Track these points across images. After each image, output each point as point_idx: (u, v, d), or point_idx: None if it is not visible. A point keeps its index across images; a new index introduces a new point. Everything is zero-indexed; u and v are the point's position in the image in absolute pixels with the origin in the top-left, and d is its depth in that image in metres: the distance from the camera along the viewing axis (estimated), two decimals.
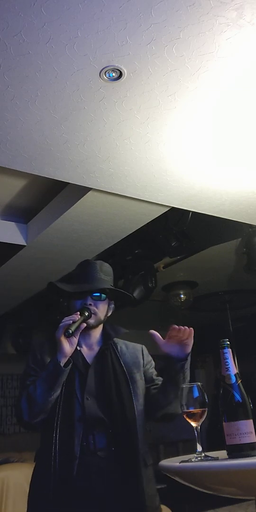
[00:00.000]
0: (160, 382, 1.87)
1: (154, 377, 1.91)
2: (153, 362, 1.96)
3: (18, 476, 3.52)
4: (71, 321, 1.70)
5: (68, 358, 1.70)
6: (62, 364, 1.68)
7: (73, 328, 1.68)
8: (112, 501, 1.66)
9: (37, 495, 1.72)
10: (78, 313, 1.75)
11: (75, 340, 1.71)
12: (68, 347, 1.69)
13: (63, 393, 1.72)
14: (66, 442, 1.67)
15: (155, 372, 1.94)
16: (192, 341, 1.74)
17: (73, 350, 1.71)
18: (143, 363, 1.90)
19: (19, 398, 1.72)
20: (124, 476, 1.68)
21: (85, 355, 1.84)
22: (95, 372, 1.80)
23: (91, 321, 1.81)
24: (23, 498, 3.42)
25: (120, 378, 1.80)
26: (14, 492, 3.42)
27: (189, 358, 1.77)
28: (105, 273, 1.90)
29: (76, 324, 1.70)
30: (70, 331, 1.68)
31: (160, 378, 1.89)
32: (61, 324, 1.70)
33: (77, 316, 1.72)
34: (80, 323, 1.72)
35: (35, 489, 1.75)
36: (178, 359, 1.74)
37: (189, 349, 1.75)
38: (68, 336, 1.68)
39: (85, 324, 1.76)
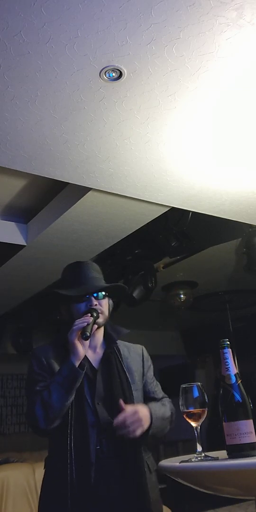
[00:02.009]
0: (159, 399, 1.88)
1: (153, 389, 1.90)
2: (152, 366, 1.96)
3: (18, 476, 3.53)
4: (86, 323, 1.68)
5: (81, 361, 1.69)
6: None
7: (89, 330, 1.67)
8: (121, 506, 1.66)
9: (53, 503, 1.67)
10: (89, 314, 1.73)
11: (87, 342, 1.70)
12: (81, 349, 1.68)
13: (73, 398, 1.70)
14: (81, 449, 1.65)
15: (154, 383, 1.93)
16: (139, 423, 1.65)
17: (85, 353, 1.71)
18: (143, 372, 1.90)
19: (32, 406, 1.66)
20: (129, 481, 1.68)
21: (90, 359, 1.82)
22: (102, 377, 1.79)
23: (100, 320, 1.79)
24: (23, 498, 3.44)
25: (124, 384, 1.79)
26: (14, 492, 3.43)
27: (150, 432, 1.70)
28: (98, 271, 1.90)
29: (91, 326, 1.69)
30: (88, 333, 1.66)
31: (160, 394, 1.90)
32: (74, 327, 1.68)
33: (89, 318, 1.71)
34: (93, 324, 1.72)
35: (49, 497, 1.70)
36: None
37: (137, 431, 1.65)
38: (86, 338, 1.66)
39: (96, 326, 1.76)
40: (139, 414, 1.66)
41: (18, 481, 3.49)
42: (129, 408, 1.66)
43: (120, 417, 1.63)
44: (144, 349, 1.96)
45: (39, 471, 3.32)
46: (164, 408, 1.84)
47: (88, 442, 1.65)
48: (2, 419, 7.16)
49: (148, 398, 1.88)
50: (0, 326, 5.99)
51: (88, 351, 1.82)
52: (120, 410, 1.67)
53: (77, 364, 1.67)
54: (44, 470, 1.78)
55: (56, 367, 1.74)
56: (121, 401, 1.68)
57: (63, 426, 1.67)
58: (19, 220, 3.66)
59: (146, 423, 1.68)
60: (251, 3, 1.56)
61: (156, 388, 1.92)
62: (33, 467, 3.69)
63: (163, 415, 1.79)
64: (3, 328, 6.08)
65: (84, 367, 1.70)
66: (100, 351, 1.85)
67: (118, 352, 1.86)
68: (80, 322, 1.69)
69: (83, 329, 1.67)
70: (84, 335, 1.65)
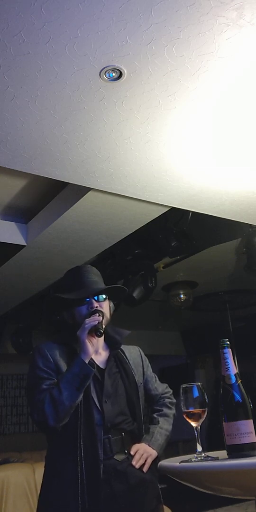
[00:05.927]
0: (159, 395, 1.95)
1: (153, 386, 1.94)
2: (150, 364, 1.99)
3: (18, 476, 3.53)
4: (97, 322, 1.71)
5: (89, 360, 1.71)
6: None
7: (102, 327, 1.71)
8: (129, 504, 1.68)
9: (59, 500, 1.66)
10: (97, 314, 1.75)
11: (95, 341, 1.74)
12: (91, 347, 1.71)
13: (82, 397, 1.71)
14: (89, 447, 1.67)
15: (154, 379, 1.96)
16: (145, 460, 1.76)
17: (94, 352, 1.75)
18: (143, 371, 1.94)
19: (40, 404, 1.64)
20: (138, 479, 1.72)
21: (95, 361, 1.83)
22: (110, 376, 1.81)
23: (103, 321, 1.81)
24: (23, 498, 3.44)
25: (131, 383, 1.84)
26: (14, 492, 3.43)
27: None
28: (97, 275, 1.92)
29: (101, 323, 1.73)
30: (102, 330, 1.71)
31: (160, 388, 1.96)
32: (86, 325, 1.70)
33: (99, 317, 1.73)
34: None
35: (54, 494, 1.69)
36: None
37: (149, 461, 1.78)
38: (100, 335, 1.71)
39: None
40: (147, 449, 1.77)
41: (18, 481, 3.49)
42: (138, 446, 1.77)
43: (137, 456, 1.74)
44: (140, 349, 2.00)
45: (39, 471, 3.32)
46: (167, 424, 1.90)
47: (96, 440, 1.68)
48: (2, 419, 7.17)
49: (149, 395, 1.93)
50: (0, 326, 5.99)
51: None
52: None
53: (87, 361, 1.69)
54: (44, 468, 1.78)
55: (63, 364, 1.75)
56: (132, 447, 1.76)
57: (72, 425, 1.68)
58: (19, 220, 3.66)
59: (154, 454, 1.78)
60: (251, 3, 1.56)
61: (156, 384, 1.96)
62: (33, 467, 3.69)
63: (166, 434, 1.87)
64: (3, 328, 6.07)
65: (94, 366, 1.73)
66: (103, 353, 1.87)
67: (123, 352, 1.90)
68: (91, 321, 1.71)
69: (96, 327, 1.70)
70: (98, 332, 1.70)
